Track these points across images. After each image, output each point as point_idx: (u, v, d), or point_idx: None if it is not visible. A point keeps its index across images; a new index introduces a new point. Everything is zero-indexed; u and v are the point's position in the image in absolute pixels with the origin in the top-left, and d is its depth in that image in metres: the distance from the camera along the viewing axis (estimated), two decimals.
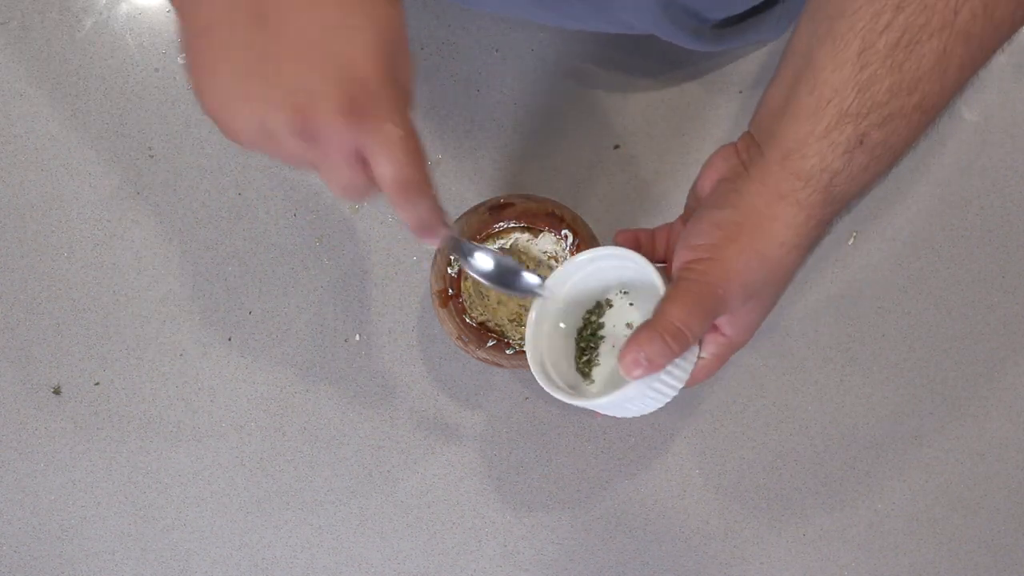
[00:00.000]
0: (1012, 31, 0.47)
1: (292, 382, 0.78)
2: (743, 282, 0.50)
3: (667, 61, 0.79)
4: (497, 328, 0.68)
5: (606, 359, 0.59)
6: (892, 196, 0.80)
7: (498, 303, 0.69)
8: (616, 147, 0.79)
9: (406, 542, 0.79)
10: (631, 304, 0.59)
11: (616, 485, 0.79)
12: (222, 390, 0.78)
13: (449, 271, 0.68)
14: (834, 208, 0.50)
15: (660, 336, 0.50)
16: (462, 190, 0.78)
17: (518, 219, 0.67)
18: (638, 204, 0.79)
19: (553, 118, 0.79)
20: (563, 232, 0.67)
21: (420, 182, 0.45)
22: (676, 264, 0.53)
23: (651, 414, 0.80)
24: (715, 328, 0.54)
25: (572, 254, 0.67)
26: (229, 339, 0.78)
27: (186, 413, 0.78)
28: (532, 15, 0.69)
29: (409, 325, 0.79)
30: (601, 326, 0.60)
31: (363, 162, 0.44)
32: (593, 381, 0.59)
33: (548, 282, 0.58)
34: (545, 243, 0.68)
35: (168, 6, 0.78)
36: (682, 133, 0.79)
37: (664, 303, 0.51)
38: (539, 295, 0.57)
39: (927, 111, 0.47)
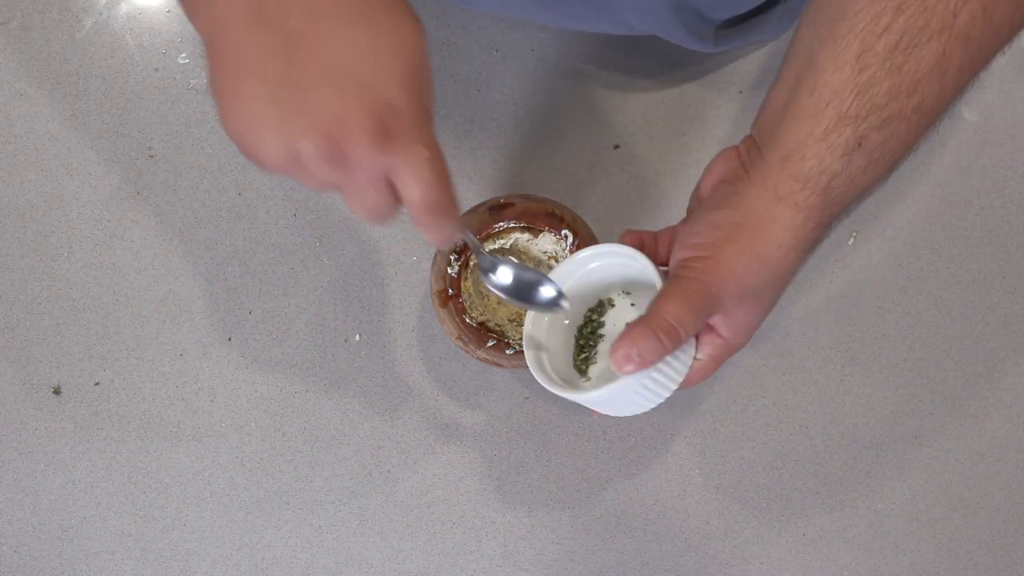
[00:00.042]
0: (1012, 34, 0.46)
1: (292, 382, 0.78)
2: (739, 282, 0.50)
3: (667, 61, 0.79)
4: (497, 328, 0.68)
5: (604, 358, 0.59)
6: (892, 196, 0.80)
7: (498, 303, 0.69)
8: (616, 147, 0.79)
9: (406, 542, 0.79)
10: (632, 304, 0.59)
11: (616, 485, 0.79)
12: (222, 390, 0.78)
13: (449, 271, 0.68)
14: (833, 211, 0.50)
15: (653, 332, 0.49)
16: (462, 190, 0.78)
17: (518, 219, 0.67)
18: (638, 204, 0.79)
19: (553, 118, 0.79)
20: (563, 232, 0.67)
21: (448, 203, 0.45)
22: (673, 262, 0.53)
23: (651, 414, 0.80)
24: (712, 329, 0.54)
25: (572, 254, 0.67)
26: (229, 339, 0.78)
27: (186, 413, 0.78)
28: (532, 15, 0.69)
29: (409, 325, 0.79)
30: (602, 324, 0.60)
31: (390, 184, 0.45)
32: (589, 379, 0.59)
33: (551, 276, 0.58)
34: (545, 243, 0.68)
35: (168, 6, 0.78)
36: (682, 133, 0.79)
37: (658, 300, 0.51)
38: (561, 309, 0.56)
39: (926, 113, 0.47)
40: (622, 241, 0.58)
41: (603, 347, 0.59)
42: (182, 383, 0.78)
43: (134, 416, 0.78)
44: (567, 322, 0.60)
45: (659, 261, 0.57)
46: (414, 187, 0.44)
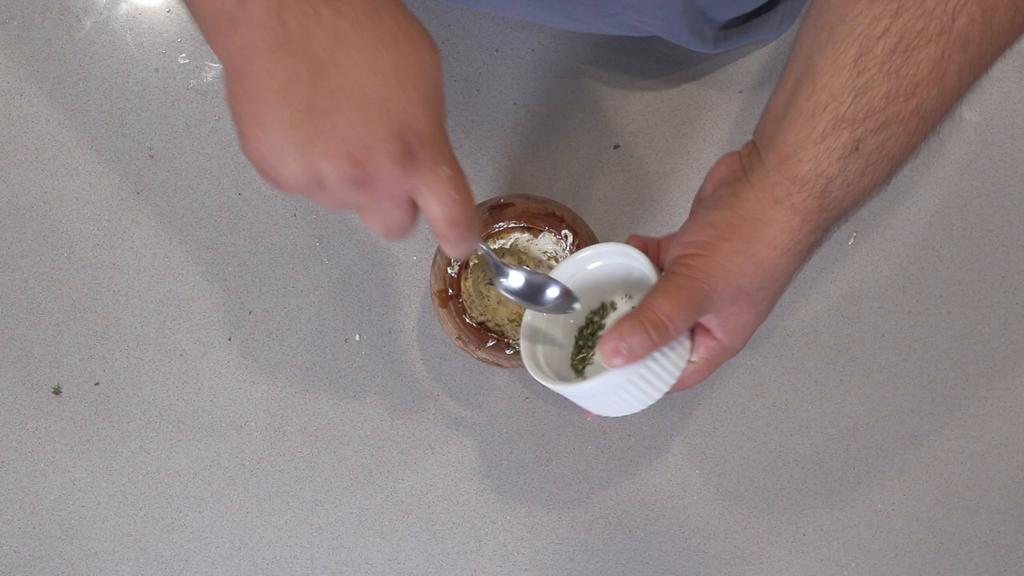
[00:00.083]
0: (1012, 38, 0.46)
1: (292, 382, 0.78)
2: (731, 281, 0.50)
3: (667, 61, 0.79)
4: (497, 328, 0.68)
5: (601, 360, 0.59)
6: (892, 196, 0.80)
7: (498, 303, 0.69)
8: (616, 147, 0.79)
9: (406, 542, 0.79)
10: (634, 308, 0.59)
11: (616, 485, 0.79)
12: (222, 390, 0.78)
13: (449, 271, 0.68)
14: (830, 215, 0.50)
15: (642, 326, 0.50)
16: None
17: (518, 219, 0.67)
18: (638, 204, 0.79)
19: (553, 118, 0.79)
20: (563, 232, 0.67)
21: (469, 218, 0.46)
22: (668, 259, 0.53)
23: (650, 414, 0.80)
24: (707, 332, 0.54)
25: (573, 254, 0.67)
26: (229, 339, 0.78)
27: (186, 413, 0.78)
28: (533, 16, 0.69)
29: (409, 325, 0.79)
30: (602, 327, 0.60)
31: (412, 204, 0.46)
32: (585, 379, 0.59)
33: (554, 274, 0.58)
34: (545, 243, 0.68)
35: (168, 6, 0.78)
36: (682, 133, 0.79)
37: (650, 294, 0.51)
38: (572, 311, 0.57)
39: (925, 117, 0.47)
40: (628, 243, 0.58)
41: None
42: (182, 383, 0.78)
43: (134, 416, 0.78)
44: (571, 321, 0.60)
45: (662, 266, 0.57)
46: (438, 206, 0.45)
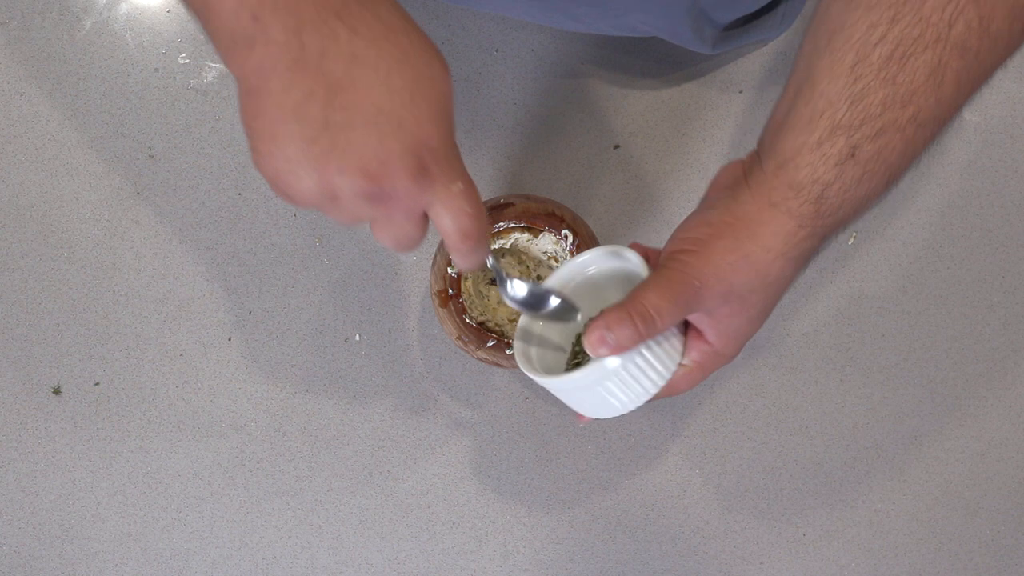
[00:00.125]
0: (1012, 46, 0.46)
1: (292, 382, 0.78)
2: (723, 279, 0.50)
3: (667, 61, 0.79)
4: (497, 328, 0.68)
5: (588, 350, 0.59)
6: (892, 196, 0.80)
7: (498, 303, 0.69)
8: (616, 147, 0.79)
9: (406, 542, 0.79)
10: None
11: (616, 485, 0.79)
12: (222, 390, 0.78)
13: (449, 271, 0.68)
14: (826, 221, 0.49)
15: (629, 316, 0.49)
16: None
17: (518, 219, 0.67)
18: (638, 204, 0.79)
19: (553, 118, 0.79)
20: (563, 232, 0.67)
21: (481, 231, 0.47)
22: (662, 255, 0.53)
23: (651, 414, 0.80)
24: (699, 335, 0.54)
25: (572, 254, 0.67)
26: (229, 339, 0.78)
27: (186, 413, 0.78)
28: (535, 17, 0.69)
29: (409, 325, 0.79)
30: None
31: (424, 217, 0.47)
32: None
33: (551, 279, 0.58)
34: (545, 243, 0.68)
35: (168, 6, 0.78)
36: (682, 133, 0.79)
37: (639, 287, 0.51)
38: (574, 321, 0.57)
39: (923, 125, 0.47)
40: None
41: None
42: (182, 383, 0.78)
43: (134, 416, 0.78)
44: (569, 327, 0.60)
45: None
46: (451, 220, 0.46)
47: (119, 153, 0.78)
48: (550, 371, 0.58)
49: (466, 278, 0.68)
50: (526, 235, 0.68)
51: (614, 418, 0.79)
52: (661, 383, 0.54)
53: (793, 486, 0.80)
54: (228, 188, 0.78)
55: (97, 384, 0.78)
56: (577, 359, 0.59)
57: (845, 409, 0.80)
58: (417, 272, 0.79)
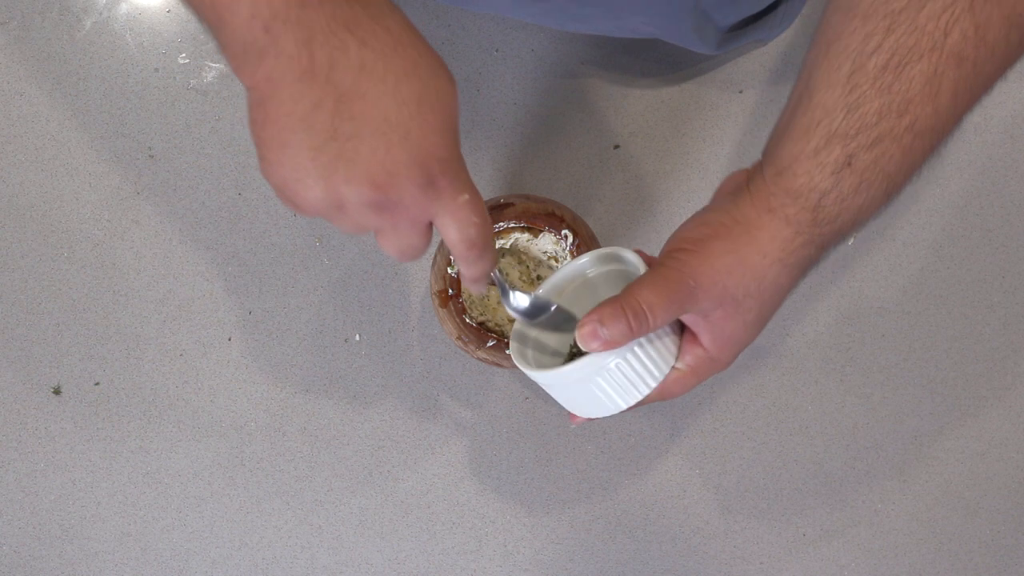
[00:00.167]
0: (1010, 55, 0.46)
1: (292, 382, 0.78)
2: (718, 281, 0.50)
3: (667, 61, 0.79)
4: (497, 328, 0.68)
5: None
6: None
7: (498, 303, 0.69)
8: (616, 147, 0.79)
9: (406, 542, 0.79)
10: None
11: (616, 485, 0.79)
12: (222, 390, 0.78)
13: (449, 271, 0.68)
14: (823, 230, 0.49)
15: (622, 311, 0.50)
16: None
17: (518, 219, 0.67)
18: (638, 204, 0.79)
19: (553, 118, 0.79)
20: (563, 232, 0.67)
21: (486, 239, 0.48)
22: (660, 253, 0.53)
23: (650, 414, 0.80)
24: (694, 339, 0.54)
25: (572, 254, 0.67)
26: (229, 339, 0.78)
27: (186, 413, 0.78)
28: (536, 18, 0.69)
29: (409, 325, 0.79)
30: None
31: (429, 227, 0.48)
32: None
33: (553, 278, 0.58)
34: (545, 243, 0.68)
35: (168, 6, 0.78)
36: (682, 133, 0.79)
37: (634, 283, 0.51)
38: (571, 331, 0.57)
39: (921, 135, 0.47)
40: None
41: None
42: (182, 383, 0.78)
43: (134, 416, 0.78)
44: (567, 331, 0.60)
45: None
46: (457, 230, 0.47)
47: (119, 153, 0.78)
48: (542, 365, 0.58)
49: None
50: (526, 235, 0.68)
51: (612, 419, 0.79)
52: (653, 384, 0.53)
53: (793, 486, 0.80)
54: (228, 188, 0.78)
55: (97, 384, 0.78)
56: (572, 361, 0.59)
57: (845, 409, 0.80)
58: (417, 272, 0.79)
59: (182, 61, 0.78)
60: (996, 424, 0.80)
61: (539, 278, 0.69)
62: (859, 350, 0.80)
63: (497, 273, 0.54)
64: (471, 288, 0.53)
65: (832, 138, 0.47)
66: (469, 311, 0.68)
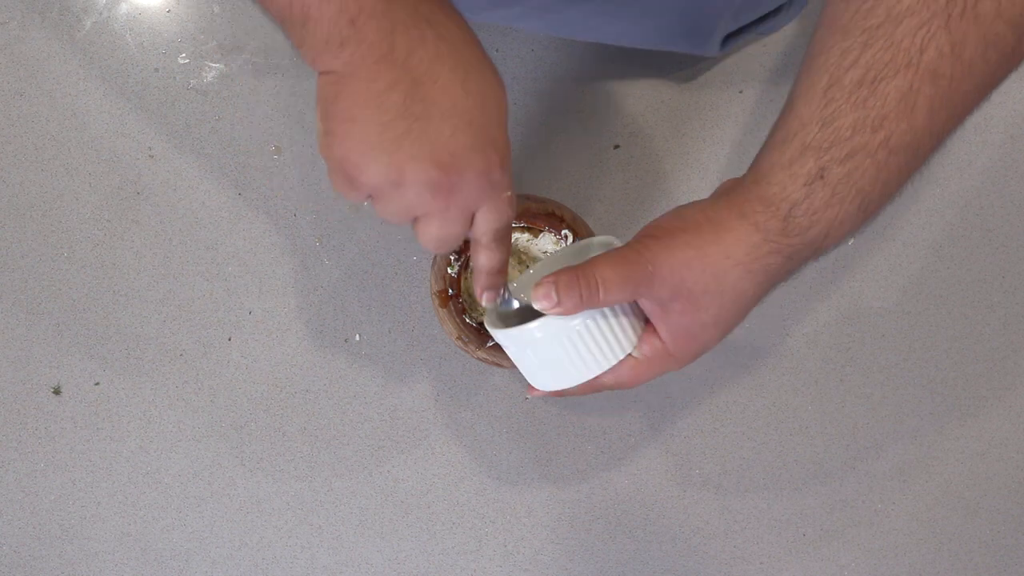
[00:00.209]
0: (989, 75, 0.46)
1: (292, 382, 0.78)
2: (676, 271, 0.50)
3: (667, 61, 0.79)
4: None
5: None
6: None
7: None
8: (616, 147, 0.79)
9: (406, 542, 0.79)
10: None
11: (616, 485, 0.79)
12: (222, 390, 0.78)
13: (449, 271, 0.68)
14: (794, 241, 0.49)
15: (576, 279, 0.50)
16: None
17: (518, 219, 0.67)
18: (638, 204, 0.79)
19: (553, 118, 0.79)
20: (563, 232, 0.67)
21: (508, 232, 0.53)
22: (632, 238, 0.54)
23: (650, 414, 0.80)
24: (653, 331, 0.54)
25: (558, 248, 0.67)
26: (229, 339, 0.78)
27: (186, 413, 0.78)
28: (538, 28, 0.70)
29: (409, 325, 0.79)
30: None
31: (472, 217, 0.50)
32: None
33: (543, 265, 0.59)
34: (545, 243, 0.68)
35: (168, 6, 0.78)
36: (682, 133, 0.79)
37: (596, 256, 0.52)
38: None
39: (895, 151, 0.47)
40: None
41: None
42: (182, 383, 0.78)
43: (134, 416, 0.78)
44: None
45: None
46: (495, 220, 0.51)
47: (119, 153, 0.78)
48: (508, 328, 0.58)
49: (466, 278, 0.68)
50: (526, 235, 0.68)
51: (612, 419, 0.79)
52: (605, 364, 0.54)
53: (793, 486, 0.80)
54: (228, 188, 0.78)
55: (97, 384, 0.78)
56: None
57: (845, 409, 0.80)
58: (417, 272, 0.79)
59: (182, 61, 0.78)
60: (996, 424, 0.80)
61: None
62: (859, 350, 0.80)
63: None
64: (485, 281, 0.55)
65: (806, 150, 0.48)
66: (469, 311, 0.68)
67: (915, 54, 0.44)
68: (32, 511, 0.78)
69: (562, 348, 0.53)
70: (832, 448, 0.80)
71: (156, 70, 0.78)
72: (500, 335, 0.55)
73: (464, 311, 0.68)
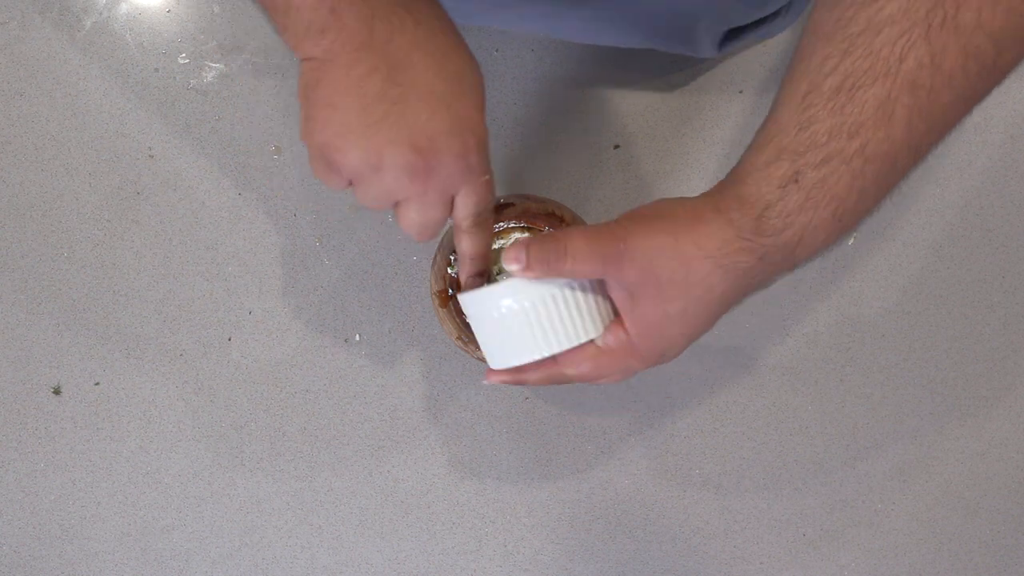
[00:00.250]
0: (970, 88, 0.46)
1: (292, 382, 0.78)
2: (646, 253, 0.50)
3: (667, 61, 0.79)
4: None
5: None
6: (892, 196, 0.80)
7: None
8: (616, 147, 0.79)
9: (406, 542, 0.79)
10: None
11: (616, 485, 0.79)
12: (222, 390, 0.78)
13: (449, 271, 0.68)
14: (766, 242, 0.49)
15: (545, 244, 0.51)
16: None
17: (518, 219, 0.67)
18: (638, 204, 0.79)
19: (553, 118, 0.79)
20: None
21: (491, 215, 0.54)
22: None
23: (650, 413, 0.80)
24: (619, 321, 0.53)
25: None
26: (229, 339, 0.78)
27: (186, 413, 0.78)
28: (539, 29, 0.70)
29: (409, 325, 0.79)
30: None
31: (451, 201, 0.51)
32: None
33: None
34: None
35: (168, 6, 0.78)
36: (682, 133, 0.79)
37: (572, 228, 0.53)
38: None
39: (871, 159, 0.47)
40: None
41: None
42: (182, 383, 0.78)
43: (134, 416, 0.78)
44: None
45: None
46: (474, 204, 0.52)
47: (119, 153, 0.78)
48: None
49: None
50: (526, 235, 0.68)
51: (611, 418, 0.79)
52: (566, 341, 0.53)
53: (793, 486, 0.80)
54: (228, 188, 0.78)
55: (97, 384, 0.78)
56: None
57: (845, 409, 0.80)
58: (417, 272, 0.79)
59: (182, 61, 0.78)
60: (996, 424, 0.80)
61: None
62: (859, 350, 0.80)
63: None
64: (468, 267, 0.56)
65: (782, 153, 0.48)
66: None
67: (894, 63, 0.45)
68: (32, 511, 0.78)
69: (525, 317, 0.53)
70: (832, 448, 0.80)
71: (156, 70, 0.78)
72: (466, 298, 0.55)
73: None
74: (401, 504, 0.79)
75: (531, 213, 0.67)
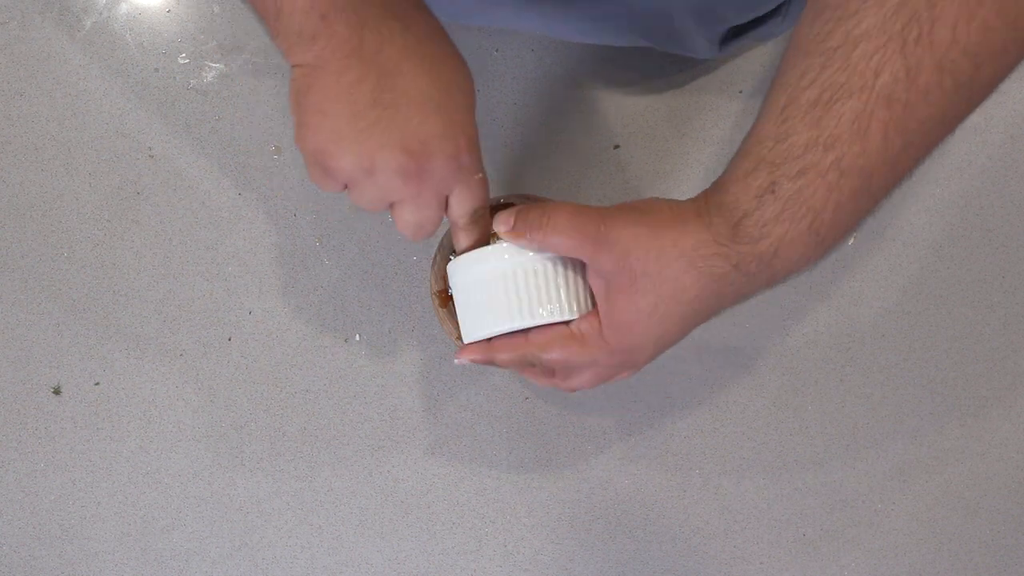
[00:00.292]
0: (947, 103, 0.46)
1: (292, 382, 0.78)
2: (624, 241, 0.51)
3: (667, 61, 0.79)
4: None
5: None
6: (892, 196, 0.80)
7: None
8: (616, 147, 0.79)
9: (406, 542, 0.79)
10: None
11: (616, 485, 0.79)
12: (222, 390, 0.78)
13: None
14: (743, 249, 0.50)
15: (533, 210, 0.53)
16: None
17: None
18: None
19: (553, 118, 0.79)
20: None
21: (485, 212, 0.55)
22: None
23: (650, 413, 0.80)
24: (595, 312, 0.55)
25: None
26: (229, 339, 0.78)
27: (186, 413, 0.78)
28: (549, 30, 0.70)
29: (409, 325, 0.79)
30: None
31: (446, 201, 0.53)
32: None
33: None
34: None
35: (168, 6, 0.78)
36: (682, 134, 0.79)
37: (560, 202, 0.54)
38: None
39: (847, 173, 0.47)
40: None
41: None
42: (182, 383, 0.78)
43: (134, 416, 0.78)
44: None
45: None
46: (469, 202, 0.53)
47: (119, 153, 0.78)
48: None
49: None
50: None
51: (611, 418, 0.79)
52: (542, 314, 0.55)
53: (793, 486, 0.80)
54: (228, 188, 0.78)
55: (97, 384, 0.78)
56: None
57: (845, 409, 0.80)
58: (417, 272, 0.79)
59: (182, 61, 0.78)
60: (996, 424, 0.80)
61: None
62: (859, 350, 0.80)
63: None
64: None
65: (760, 164, 0.49)
66: None
67: (870, 77, 0.45)
68: (32, 511, 0.78)
69: (505, 282, 0.55)
70: (832, 448, 0.80)
71: (156, 70, 0.78)
72: (455, 264, 0.57)
73: None
74: (401, 504, 0.79)
75: None
